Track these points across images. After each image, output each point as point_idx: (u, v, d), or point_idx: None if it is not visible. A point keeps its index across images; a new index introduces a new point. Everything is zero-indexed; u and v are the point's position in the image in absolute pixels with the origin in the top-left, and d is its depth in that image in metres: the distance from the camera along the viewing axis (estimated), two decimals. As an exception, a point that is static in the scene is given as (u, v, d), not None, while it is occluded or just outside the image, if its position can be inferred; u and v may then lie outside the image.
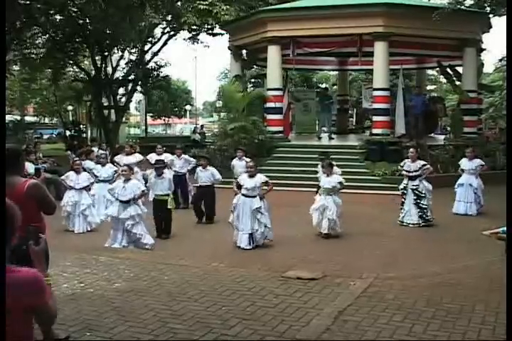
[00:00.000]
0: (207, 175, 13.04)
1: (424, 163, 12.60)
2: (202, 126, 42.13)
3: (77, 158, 16.28)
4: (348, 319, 6.09)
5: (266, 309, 6.41)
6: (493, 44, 56.24)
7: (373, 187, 16.60)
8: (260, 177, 10.50)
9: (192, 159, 15.01)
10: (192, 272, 8.10)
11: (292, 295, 6.93)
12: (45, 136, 49.75)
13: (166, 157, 14.64)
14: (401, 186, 12.59)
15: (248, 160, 13.01)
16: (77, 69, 32.78)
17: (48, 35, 26.64)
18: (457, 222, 12.34)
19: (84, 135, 36.59)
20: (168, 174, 12.21)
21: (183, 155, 15.03)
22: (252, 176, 10.45)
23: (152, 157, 14.88)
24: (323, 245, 10.56)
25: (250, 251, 10.03)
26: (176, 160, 14.92)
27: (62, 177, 12.77)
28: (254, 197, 10.30)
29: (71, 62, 29.55)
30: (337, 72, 32.34)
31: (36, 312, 2.58)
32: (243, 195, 10.36)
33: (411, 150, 12.90)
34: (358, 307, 6.47)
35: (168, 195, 11.35)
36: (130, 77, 30.63)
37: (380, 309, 6.39)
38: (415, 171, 12.31)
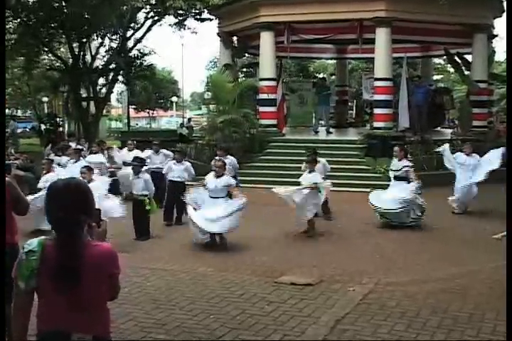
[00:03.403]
0: (180, 169, 13.12)
1: (407, 163, 12.31)
2: (189, 120, 42.11)
3: (53, 154, 16.30)
4: (347, 328, 6.10)
5: (257, 317, 6.42)
6: (505, 30, 56.35)
7: (374, 185, 16.54)
8: (226, 180, 10.77)
9: (170, 153, 15.13)
10: (178, 277, 8.10)
11: (286, 302, 6.94)
12: (18, 130, 49.49)
13: (137, 153, 14.74)
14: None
15: (231, 158, 13.54)
16: (52, 57, 32.71)
17: (19, 20, 26.48)
18: (461, 223, 12.38)
19: (61, 129, 36.46)
20: (146, 173, 12.14)
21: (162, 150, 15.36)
22: (218, 176, 10.70)
23: (123, 154, 15.11)
24: (319, 248, 10.55)
25: (241, 255, 10.02)
26: (153, 155, 15.10)
27: (40, 184, 12.28)
28: (221, 198, 10.55)
29: (46, 49, 29.45)
30: (335, 61, 32.30)
31: (110, 280, 3.11)
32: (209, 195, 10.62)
33: (395, 148, 12.76)
34: (357, 315, 6.48)
35: (145, 195, 11.43)
36: (111, 66, 30.57)
37: (381, 317, 6.40)
38: (398, 170, 12.34)
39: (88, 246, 3.05)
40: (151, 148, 15.63)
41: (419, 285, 7.76)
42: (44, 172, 12.44)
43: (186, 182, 13.07)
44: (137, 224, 11.37)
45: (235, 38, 25.24)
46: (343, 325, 6.16)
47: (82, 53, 28.93)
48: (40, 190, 11.85)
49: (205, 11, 27.07)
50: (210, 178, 10.76)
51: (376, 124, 20.52)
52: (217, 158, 12.64)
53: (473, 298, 7.09)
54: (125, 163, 14.90)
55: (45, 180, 11.78)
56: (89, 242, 3.08)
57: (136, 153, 14.85)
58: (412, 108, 20.88)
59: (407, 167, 12.21)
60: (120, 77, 31.95)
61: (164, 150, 15.50)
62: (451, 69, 36.23)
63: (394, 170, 12.48)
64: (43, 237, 3.11)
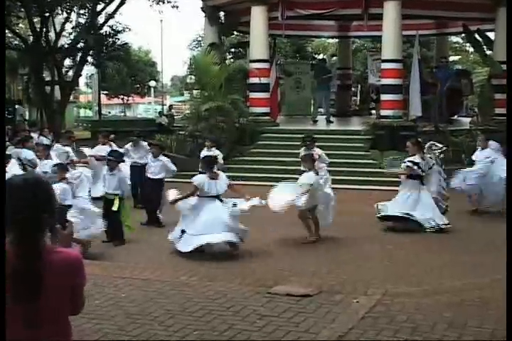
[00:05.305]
0: (157, 166, 13.28)
1: (413, 159, 12.11)
2: (170, 107, 42.14)
3: (13, 147, 16.22)
4: (350, 345, 6.11)
5: (248, 333, 6.41)
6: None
7: (381, 182, 16.62)
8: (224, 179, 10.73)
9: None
10: (156, 288, 8.08)
11: (280, 315, 6.94)
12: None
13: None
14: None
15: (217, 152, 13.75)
16: (10, 35, 32.50)
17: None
18: (481, 225, 12.41)
19: (21, 117, 36.34)
20: (122, 171, 12.21)
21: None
22: (213, 178, 10.59)
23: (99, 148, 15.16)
24: (318, 253, 10.57)
25: (229, 262, 10.02)
26: (131, 148, 15.07)
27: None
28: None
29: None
30: (337, 40, 32.38)
31: (73, 292, 3.14)
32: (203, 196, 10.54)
33: (408, 143, 12.57)
34: (362, 330, 6.48)
35: (116, 194, 11.49)
36: (79, 45, 30.40)
37: (390, 333, 6.41)
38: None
39: (50, 252, 3.01)
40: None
41: (433, 297, 7.77)
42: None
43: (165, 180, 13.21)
44: (108, 226, 11.39)
45: (222, 14, 25.19)
46: (346, 342, 6.17)
47: (44, 30, 28.76)
48: None
49: (188, -19, 27.03)
50: (204, 181, 10.54)
51: (383, 112, 20.59)
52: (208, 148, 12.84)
53: (495, 311, 7.08)
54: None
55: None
56: (51, 248, 3.05)
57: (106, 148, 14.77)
58: (440, 94, 20.91)
59: (408, 162, 12.04)
60: (90, 58, 31.82)
61: (144, 143, 15.44)
62: (471, 49, 36.36)
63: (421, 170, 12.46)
64: None
